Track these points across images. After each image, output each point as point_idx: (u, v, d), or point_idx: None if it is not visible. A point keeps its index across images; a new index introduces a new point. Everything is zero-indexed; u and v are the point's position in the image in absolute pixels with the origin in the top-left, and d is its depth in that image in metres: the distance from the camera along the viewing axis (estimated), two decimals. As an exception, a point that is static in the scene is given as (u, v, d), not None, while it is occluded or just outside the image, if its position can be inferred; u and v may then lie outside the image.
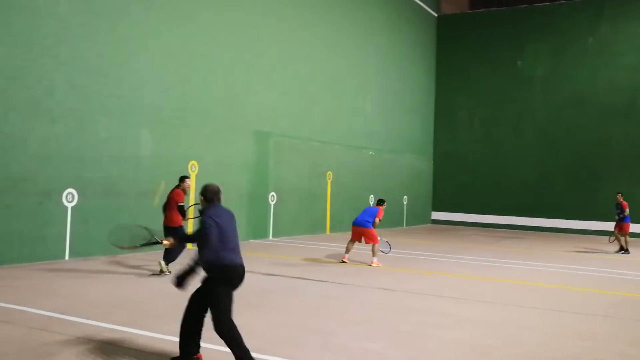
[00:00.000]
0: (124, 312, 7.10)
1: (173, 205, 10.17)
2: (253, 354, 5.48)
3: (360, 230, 12.35)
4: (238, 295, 8.42)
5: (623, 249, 16.71)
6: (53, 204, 11.17)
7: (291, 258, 12.97)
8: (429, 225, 26.87)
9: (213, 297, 5.12)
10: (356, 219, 12.54)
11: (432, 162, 27.57)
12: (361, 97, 21.78)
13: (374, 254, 12.27)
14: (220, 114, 15.13)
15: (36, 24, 10.90)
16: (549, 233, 23.89)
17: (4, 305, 7.27)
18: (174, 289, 8.71)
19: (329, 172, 19.77)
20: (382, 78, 23.12)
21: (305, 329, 6.66)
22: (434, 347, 6.07)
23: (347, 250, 12.64)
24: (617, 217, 16.73)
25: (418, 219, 26.16)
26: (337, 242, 16.52)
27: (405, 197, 24.83)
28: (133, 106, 12.79)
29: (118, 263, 11.33)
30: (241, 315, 7.17)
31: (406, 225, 24.94)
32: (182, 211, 10.19)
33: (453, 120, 27.39)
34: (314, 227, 19.11)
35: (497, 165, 26.02)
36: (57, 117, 11.26)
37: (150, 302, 7.79)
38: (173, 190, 10.47)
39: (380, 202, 12.95)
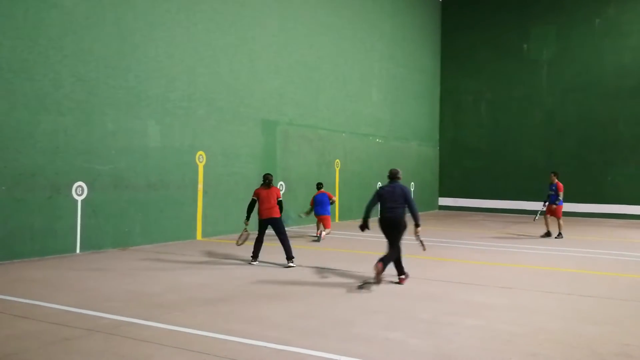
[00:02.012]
0: (140, 306, 7.03)
1: (275, 199, 10.51)
2: (275, 346, 5.44)
3: (324, 217, 14.58)
4: (256, 287, 8.39)
5: (549, 234, 15.66)
6: (63, 198, 11.10)
7: (303, 247, 12.90)
8: (436, 211, 26.78)
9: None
10: (319, 210, 14.58)
11: (438, 148, 27.43)
12: (367, 84, 21.61)
13: (324, 230, 14.54)
14: (226, 103, 15.01)
15: (40, 16, 10.78)
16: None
17: (20, 300, 7.23)
18: (185, 282, 8.69)
19: (337, 160, 19.66)
20: (387, 64, 22.93)
21: (325, 319, 6.59)
22: (456, 335, 5.98)
23: (319, 227, 14.77)
24: (547, 199, 15.67)
25: (425, 205, 26.06)
26: (348, 230, 16.45)
27: (412, 183, 24.71)
28: (140, 98, 12.68)
29: (128, 256, 11.27)
30: (260, 307, 7.13)
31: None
32: (282, 205, 10.64)
33: (459, 105, 27.21)
34: (323, 215, 19.01)
35: (504, 149, 25.86)
36: (65, 110, 11.16)
37: (163, 295, 7.72)
38: (272, 187, 10.61)
39: (320, 186, 15.09)
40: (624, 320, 6.76)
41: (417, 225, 8.69)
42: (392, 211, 8.74)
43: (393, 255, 8.69)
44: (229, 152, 15.09)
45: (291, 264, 10.21)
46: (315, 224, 15.21)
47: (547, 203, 15.91)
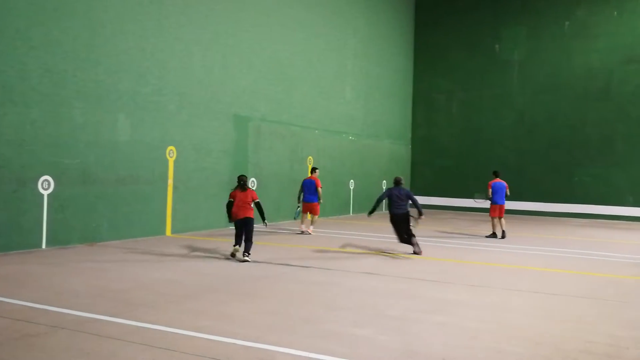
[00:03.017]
0: (107, 302, 6.93)
1: (251, 200, 10.74)
2: (243, 343, 5.41)
3: (309, 205, 15.02)
4: (225, 283, 8.35)
5: (497, 234, 15.36)
6: (28, 192, 10.87)
7: (273, 244, 12.87)
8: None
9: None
10: (306, 197, 15.00)
11: (410, 146, 27.60)
12: (340, 81, 21.63)
13: (312, 223, 15.17)
14: (197, 98, 14.86)
15: (7, 6, 10.52)
16: (527, 216, 24.16)
17: (-19, 296, 7.06)
18: (153, 278, 8.60)
19: (310, 157, 19.65)
20: (361, 62, 22.98)
21: (294, 315, 6.57)
22: (424, 332, 6.03)
23: (303, 222, 15.24)
24: (487, 199, 15.49)
25: (397, 203, 26.19)
26: (319, 228, 16.44)
27: (384, 182, 24.83)
28: (109, 91, 12.48)
29: (95, 252, 11.10)
30: (230, 303, 7.08)
31: (385, 209, 24.93)
32: (260, 207, 10.86)
33: (431, 104, 27.42)
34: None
35: (476, 149, 26.14)
36: (32, 102, 10.92)
37: (131, 291, 7.62)
38: (247, 189, 10.67)
39: (314, 170, 15.38)
40: (588, 317, 6.89)
41: (420, 214, 11.84)
42: (401, 208, 11.80)
43: (414, 236, 11.83)
44: (200, 147, 14.96)
45: (247, 258, 10.32)
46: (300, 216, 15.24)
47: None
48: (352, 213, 22.33)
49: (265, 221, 10.82)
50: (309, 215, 15.21)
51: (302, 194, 15.10)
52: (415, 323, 6.36)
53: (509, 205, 25.02)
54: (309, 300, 7.38)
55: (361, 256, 11.52)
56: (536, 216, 24.14)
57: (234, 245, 10.63)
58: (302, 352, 5.20)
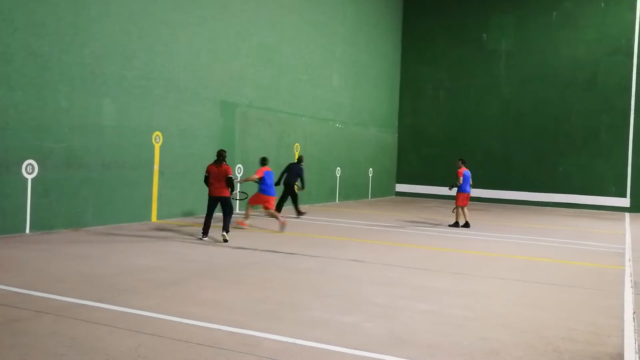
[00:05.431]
0: (92, 287, 6.89)
1: (224, 178, 11.04)
2: (229, 329, 5.41)
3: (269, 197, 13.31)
4: (211, 270, 8.33)
5: (457, 224, 15.08)
6: (12, 176, 10.74)
7: (259, 231, 12.86)
8: (393, 197, 27.05)
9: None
10: (270, 189, 13.37)
11: (397, 134, 27.65)
12: (328, 68, 21.56)
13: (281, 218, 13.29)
14: (184, 83, 14.74)
15: (-10, -14, 10.33)
16: (512, 205, 24.36)
17: (-36, 281, 6.99)
18: (139, 264, 8.57)
19: (297, 144, 19.61)
20: (349, 49, 22.91)
21: (280, 302, 6.58)
22: (410, 319, 6.07)
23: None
24: (454, 187, 15.18)
25: (383, 191, 26.30)
26: (307, 215, 16.44)
27: (370, 169, 24.89)
28: (95, 74, 12.32)
29: (80, 237, 11.02)
30: (216, 290, 7.08)
31: (371, 197, 25.06)
32: (230, 182, 11.11)
33: (418, 92, 27.46)
34: (281, 199, 18.97)
35: (462, 137, 26.25)
36: (15, 85, 10.76)
37: (116, 277, 7.58)
38: (222, 165, 10.97)
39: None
40: (570, 305, 6.98)
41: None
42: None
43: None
44: (187, 133, 14.86)
45: (224, 235, 10.88)
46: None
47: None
48: (338, 200, 22.36)
49: (234, 193, 11.43)
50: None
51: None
52: (401, 310, 6.40)
53: (493, 194, 25.38)
54: (295, 287, 7.40)
55: (348, 243, 11.55)
56: (521, 205, 24.34)
57: (202, 237, 11.02)
58: (287, 339, 5.21)
